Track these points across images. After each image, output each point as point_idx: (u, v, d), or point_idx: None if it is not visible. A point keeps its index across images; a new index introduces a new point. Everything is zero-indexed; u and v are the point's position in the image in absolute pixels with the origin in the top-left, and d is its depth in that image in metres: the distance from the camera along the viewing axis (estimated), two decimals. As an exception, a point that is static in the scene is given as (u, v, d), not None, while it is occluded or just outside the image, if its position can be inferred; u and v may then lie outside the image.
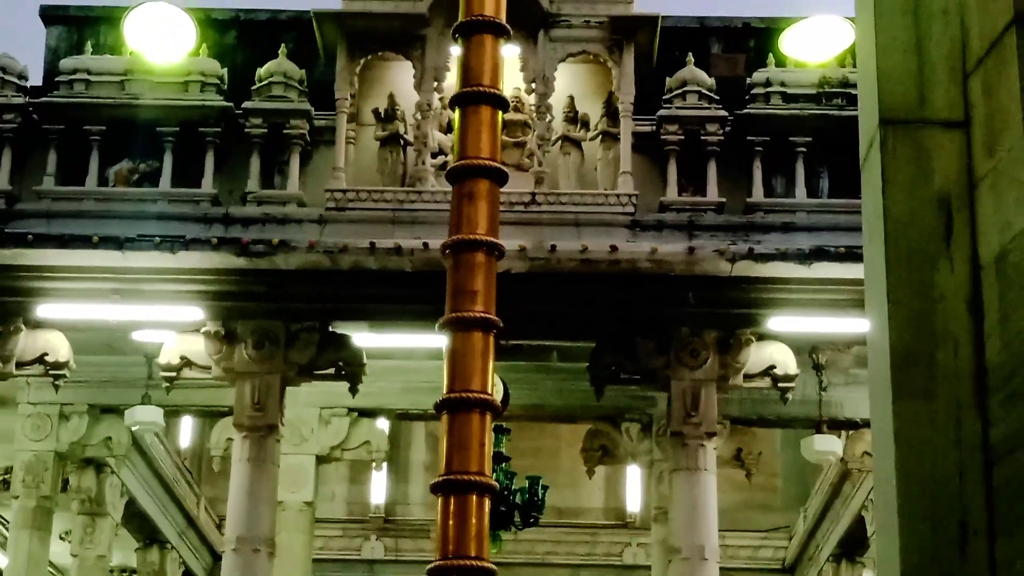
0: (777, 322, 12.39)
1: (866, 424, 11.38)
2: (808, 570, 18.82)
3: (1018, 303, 2.64)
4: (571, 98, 12.86)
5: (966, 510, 2.70)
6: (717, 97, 12.72)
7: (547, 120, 12.58)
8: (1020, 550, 2.52)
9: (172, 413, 14.46)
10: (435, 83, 12.51)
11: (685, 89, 12.68)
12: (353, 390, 12.82)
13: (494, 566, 6.68)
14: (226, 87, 12.89)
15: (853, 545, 16.54)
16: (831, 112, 12.50)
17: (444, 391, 6.80)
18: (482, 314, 7.03)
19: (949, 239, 2.94)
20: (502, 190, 8.01)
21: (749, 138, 12.57)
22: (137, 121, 12.51)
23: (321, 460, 14.75)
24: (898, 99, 3.01)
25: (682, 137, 12.58)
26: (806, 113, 12.57)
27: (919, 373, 2.86)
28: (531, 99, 12.67)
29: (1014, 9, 2.66)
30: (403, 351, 13.39)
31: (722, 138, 12.55)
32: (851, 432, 13.60)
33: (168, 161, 12.53)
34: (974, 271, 2.91)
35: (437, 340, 7.49)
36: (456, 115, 6.68)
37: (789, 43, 13.04)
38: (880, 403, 2.97)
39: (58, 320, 12.64)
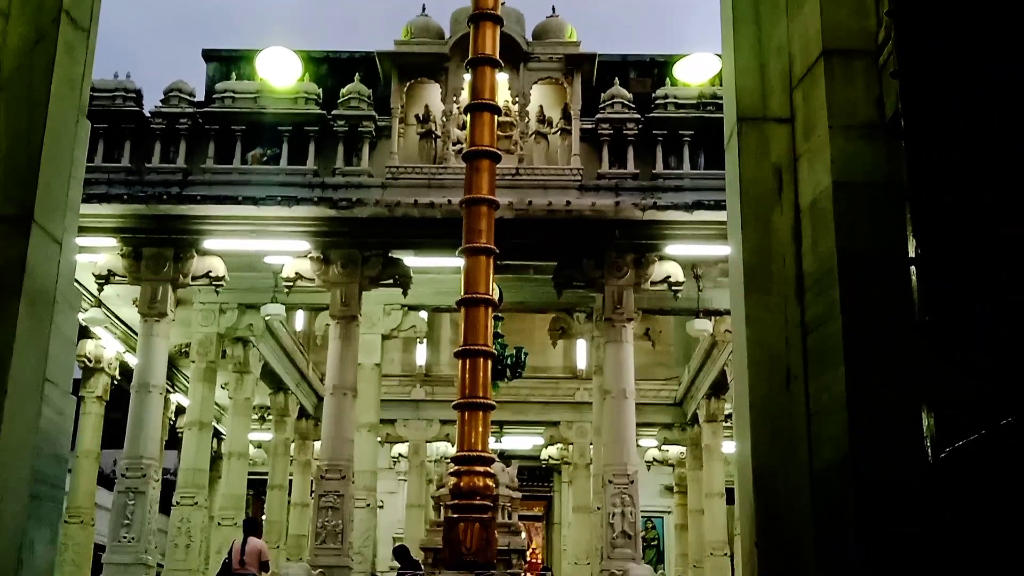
0: (671, 248, 15.02)
1: (727, 311, 13.86)
2: (690, 404, 22.05)
3: (823, 233, 3.56)
4: (541, 107, 15.52)
5: (790, 363, 3.68)
6: (633, 106, 15.43)
7: (525, 121, 15.32)
8: (821, 386, 3.47)
9: (290, 308, 17.74)
10: (454, 98, 15.22)
11: (613, 100, 15.40)
12: (404, 293, 15.71)
13: (494, 402, 8.48)
14: (321, 100, 15.61)
15: (718, 388, 19.57)
16: (706, 115, 15.07)
17: (462, 293, 9.43)
18: (485, 245, 9.91)
19: (780, 193, 3.89)
20: (497, 166, 10.69)
21: (654, 132, 15.23)
22: (264, 123, 15.35)
23: (384, 338, 17.90)
24: (749, 105, 4.07)
25: (611, 132, 15.23)
26: (690, 116, 15.31)
27: (761, 278, 3.83)
28: (515, 108, 15.26)
29: (821, 47, 3.69)
30: (435, 268, 15.63)
31: (637, 132, 15.21)
32: (717, 317, 16.17)
33: (285, 148, 15.29)
34: (796, 213, 3.88)
35: (457, 261, 11.44)
36: (468, 118, 9.31)
37: (679, 71, 16.49)
38: (737, 297, 3.92)
39: (217, 249, 15.28)
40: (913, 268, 2.81)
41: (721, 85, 5.50)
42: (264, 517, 21.79)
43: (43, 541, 4.05)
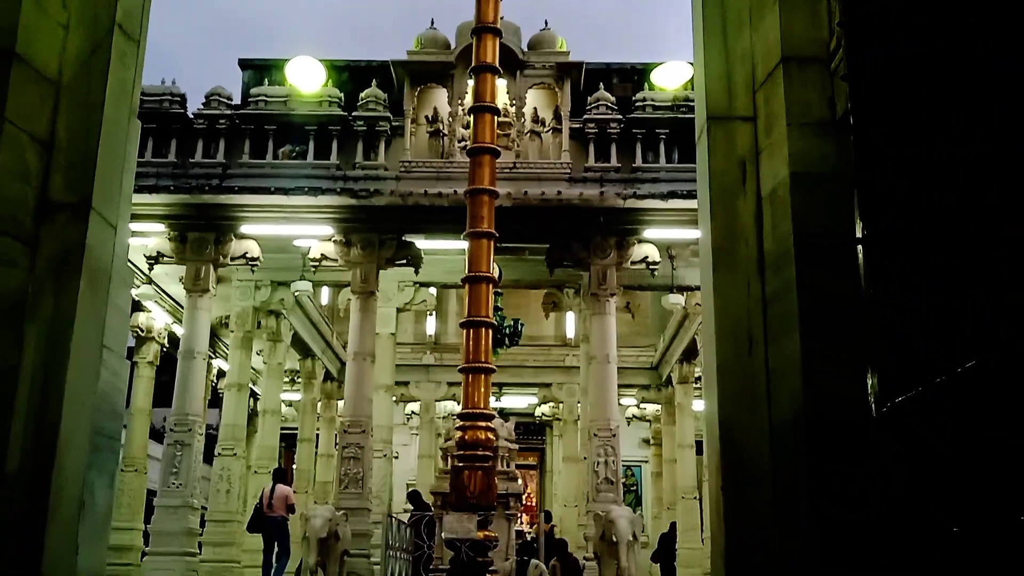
0: (649, 232, 14.86)
1: (697, 287, 13.34)
2: (665, 368, 21.87)
3: (782, 218, 3.59)
4: (535, 109, 15.39)
5: (752, 331, 3.71)
6: (616, 107, 15.34)
7: (522, 121, 15.18)
8: (779, 351, 3.51)
9: (316, 285, 17.70)
10: (459, 101, 15.02)
11: (598, 103, 15.32)
12: (416, 272, 15.76)
13: (494, 367, 8.59)
14: (342, 103, 15.53)
15: (689, 354, 19.54)
16: (679, 116, 14.95)
17: (466, 272, 9.19)
18: (486, 229, 9.66)
19: (744, 183, 3.87)
20: (497, 161, 10.56)
21: (634, 130, 15.11)
22: (293, 124, 15.30)
23: (399, 311, 18.04)
24: (717, 105, 4.08)
25: (597, 130, 15.11)
26: (665, 116, 15.17)
27: (727, 257, 3.85)
28: (513, 110, 15.11)
29: (781, 55, 3.68)
30: (443, 250, 15.44)
31: (619, 131, 15.10)
32: (688, 292, 16.06)
33: (311, 145, 15.23)
34: (758, 200, 3.87)
35: (461, 244, 11.35)
36: (471, 118, 8.90)
37: (656, 77, 16.24)
38: (706, 274, 3.96)
39: (252, 234, 15.20)
40: (859, 247, 2.81)
41: (693, 89, 5.49)
42: (295, 466, 21.89)
43: (102, 486, 4.07)
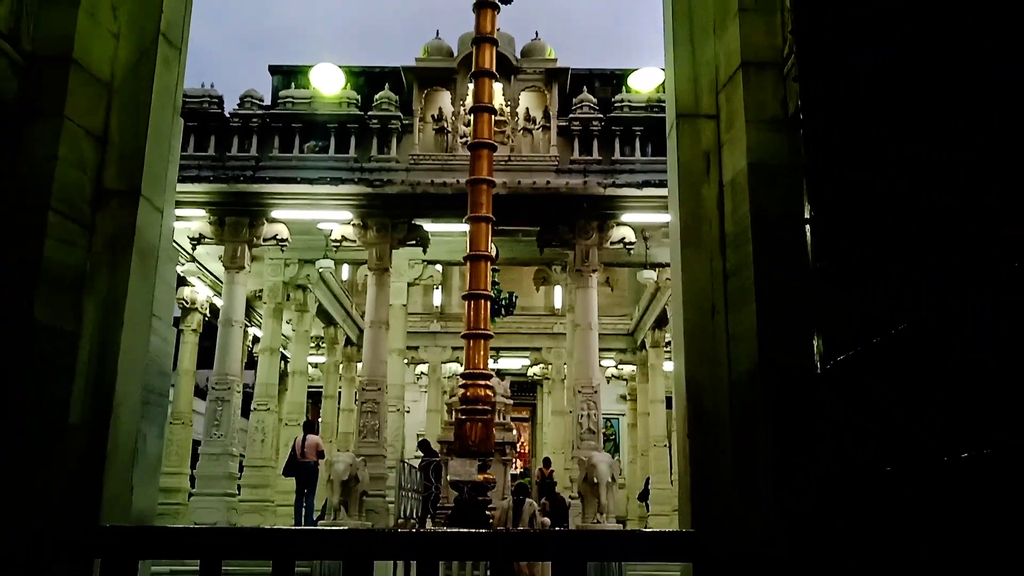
0: (626, 217, 14.71)
1: (667, 264, 13.62)
2: (640, 334, 21.79)
3: (740, 202, 3.56)
4: (527, 109, 15.32)
5: (715, 300, 3.71)
6: (598, 108, 15.23)
7: (515, 120, 15.10)
8: (738, 318, 3.54)
9: (338, 262, 17.70)
10: (461, 102, 14.94)
11: (582, 104, 15.27)
12: (424, 251, 15.80)
13: (492, 333, 8.61)
14: (359, 104, 15.40)
15: (660, 322, 19.41)
16: (652, 115, 14.90)
17: (467, 251, 9.18)
18: (485, 214, 9.53)
19: (708, 172, 3.83)
20: (494, 155, 10.48)
21: (613, 128, 15.06)
22: (316, 122, 15.20)
23: (409, 285, 17.87)
24: (685, 104, 4.02)
25: (581, 128, 15.07)
26: (640, 115, 15.07)
27: (693, 236, 3.83)
28: (507, 109, 15.01)
29: (740, 60, 3.66)
30: (447, 232, 15.32)
31: (600, 128, 15.04)
32: (660, 268, 15.83)
33: (332, 141, 15.13)
34: (720, 187, 3.82)
35: (463, 227, 10.83)
36: (472, 117, 8.78)
37: (633, 81, 16.36)
38: (675, 251, 3.94)
39: (282, 218, 15.04)
40: (807, 227, 2.82)
41: (664, 92, 5.45)
42: (320, 419, 21.97)
43: (153, 436, 4.08)
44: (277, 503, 16.33)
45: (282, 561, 1.77)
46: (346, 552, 1.81)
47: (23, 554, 2.83)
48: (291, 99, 15.51)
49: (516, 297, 17.27)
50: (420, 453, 15.36)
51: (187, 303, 18.02)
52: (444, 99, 15.44)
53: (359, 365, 19.43)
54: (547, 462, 17.82)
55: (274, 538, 1.86)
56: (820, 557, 2.55)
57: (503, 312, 16.65)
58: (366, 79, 18.05)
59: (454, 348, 21.60)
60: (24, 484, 3.31)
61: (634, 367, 23.25)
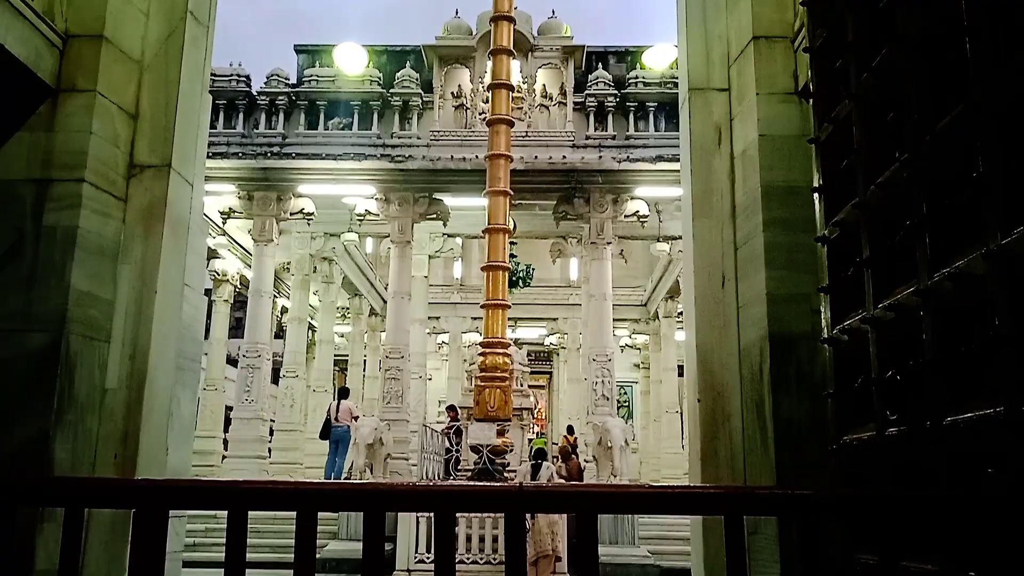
0: (640, 191, 14.63)
1: (680, 237, 12.86)
2: (652, 304, 21.78)
3: (751, 173, 3.51)
4: (544, 85, 15.07)
5: (725, 270, 3.65)
6: (612, 84, 15.15)
7: (532, 96, 14.94)
8: (748, 286, 3.48)
9: (362, 236, 17.70)
10: (480, 79, 14.79)
11: (597, 80, 15.20)
12: (444, 225, 15.70)
13: (510, 303, 8.57)
14: (382, 82, 15.35)
15: (673, 293, 19.32)
16: (666, 91, 14.82)
17: (487, 224, 9.08)
18: (503, 188, 9.54)
19: (720, 143, 3.77)
20: (512, 130, 10.46)
21: (628, 104, 14.97)
22: (341, 100, 15.13)
23: (430, 257, 17.95)
24: (697, 78, 3.96)
25: (596, 104, 15.00)
26: (654, 92, 14.97)
27: (705, 206, 3.77)
28: (525, 86, 14.83)
29: (751, 34, 3.62)
30: (467, 206, 15.20)
31: (615, 104, 14.97)
32: (672, 241, 15.86)
33: (355, 118, 15.07)
34: (731, 159, 3.74)
35: (482, 201, 11.23)
36: (490, 94, 8.77)
37: (647, 58, 16.07)
38: (687, 222, 3.88)
39: (308, 193, 15.06)
40: (816, 195, 2.78)
41: (677, 68, 5.37)
42: (346, 386, 22.15)
43: (186, 399, 4.13)
44: (306, 465, 16.52)
45: (305, 513, 1.80)
46: (366, 504, 1.83)
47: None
48: (316, 77, 15.47)
49: (533, 269, 17.32)
50: (446, 417, 15.46)
51: (219, 275, 18.14)
52: (463, 76, 15.30)
53: (383, 334, 19.55)
54: (570, 429, 17.90)
55: (297, 491, 1.88)
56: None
57: (520, 284, 16.70)
58: (388, 58, 17.99)
59: (474, 318, 21.61)
60: (71, 438, 3.38)
61: (647, 336, 23.23)
